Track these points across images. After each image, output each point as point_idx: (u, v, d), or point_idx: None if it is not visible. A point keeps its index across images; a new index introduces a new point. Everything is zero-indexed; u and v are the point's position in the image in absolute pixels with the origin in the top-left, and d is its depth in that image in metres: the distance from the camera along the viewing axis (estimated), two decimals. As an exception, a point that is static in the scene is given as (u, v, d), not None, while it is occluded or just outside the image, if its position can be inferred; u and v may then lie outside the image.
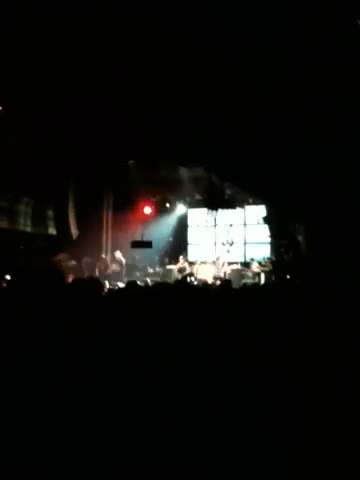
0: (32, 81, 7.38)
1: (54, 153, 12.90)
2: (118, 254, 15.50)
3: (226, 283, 7.07)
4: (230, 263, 15.25)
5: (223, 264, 14.88)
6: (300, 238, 13.10)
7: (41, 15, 5.08)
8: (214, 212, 15.07)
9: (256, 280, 14.46)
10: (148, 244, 15.21)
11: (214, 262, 15.07)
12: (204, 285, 9.08)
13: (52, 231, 15.21)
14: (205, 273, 14.47)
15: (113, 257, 15.78)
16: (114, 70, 6.50)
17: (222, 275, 14.26)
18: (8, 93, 8.72)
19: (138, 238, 15.69)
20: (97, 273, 14.83)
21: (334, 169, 8.40)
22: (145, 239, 15.28)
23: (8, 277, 12.28)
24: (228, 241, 16.18)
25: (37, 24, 5.19)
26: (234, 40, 5.68)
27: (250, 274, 14.87)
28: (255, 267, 14.73)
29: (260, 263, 14.79)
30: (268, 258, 14.63)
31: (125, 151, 12.92)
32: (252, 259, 15.32)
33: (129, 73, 6.24)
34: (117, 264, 15.41)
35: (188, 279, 12.42)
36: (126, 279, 14.13)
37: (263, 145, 8.25)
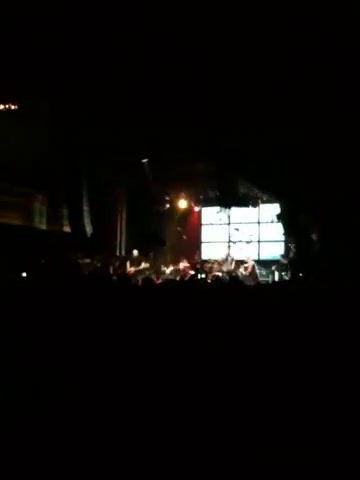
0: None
1: (68, 150, 13.02)
2: (135, 252, 15.44)
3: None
4: (244, 261, 15.19)
5: (232, 261, 14.83)
6: (314, 236, 13.04)
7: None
8: (227, 210, 15.07)
9: (269, 278, 14.44)
10: (162, 242, 15.23)
11: (224, 260, 15.01)
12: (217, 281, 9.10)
13: (66, 229, 15.32)
14: (217, 271, 14.45)
15: (131, 256, 15.68)
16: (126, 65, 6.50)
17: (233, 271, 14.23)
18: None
19: (153, 236, 15.68)
20: (111, 271, 14.87)
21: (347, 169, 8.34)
22: (159, 237, 15.29)
23: (24, 274, 12.42)
24: (243, 240, 16.15)
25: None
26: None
27: (264, 272, 14.84)
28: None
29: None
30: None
31: (139, 148, 12.95)
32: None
33: (142, 66, 6.25)
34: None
35: (199, 276, 12.42)
36: (140, 277, 14.16)
37: (278, 143, 8.21)
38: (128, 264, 15.08)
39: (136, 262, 15.00)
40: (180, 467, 1.96)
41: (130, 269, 14.86)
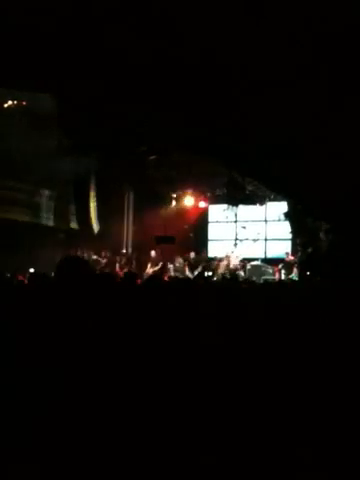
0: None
1: (75, 147, 13.05)
2: (153, 253, 15.41)
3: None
4: (250, 259, 15.17)
5: (237, 259, 14.83)
6: (321, 235, 12.99)
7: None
8: (234, 208, 15.06)
9: (276, 276, 14.41)
10: (171, 240, 15.20)
11: (229, 257, 15.00)
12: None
13: (74, 225, 15.40)
14: (224, 268, 14.45)
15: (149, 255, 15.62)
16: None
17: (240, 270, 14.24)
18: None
19: (160, 234, 15.70)
20: (117, 268, 14.93)
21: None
22: (168, 235, 15.29)
23: (32, 270, 12.51)
24: (249, 238, 16.13)
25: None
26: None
27: (270, 270, 14.80)
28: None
29: None
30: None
31: (146, 145, 12.95)
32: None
33: (150, 62, 6.21)
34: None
35: (205, 274, 12.43)
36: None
37: (285, 141, 8.15)
38: (149, 265, 15.05)
39: (155, 263, 15.02)
40: (179, 466, 1.96)
41: (149, 270, 14.88)
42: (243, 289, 5.63)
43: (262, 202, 15.82)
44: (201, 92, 6.26)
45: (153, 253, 15.19)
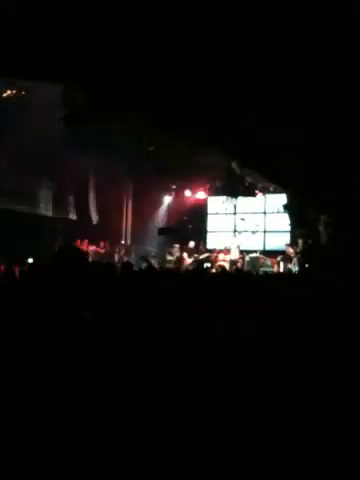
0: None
1: (75, 138, 12.99)
2: (192, 244, 15.41)
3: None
4: (249, 251, 15.17)
5: (238, 250, 14.83)
6: (320, 227, 12.98)
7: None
8: (233, 200, 15.04)
9: (275, 269, 14.42)
10: (174, 231, 15.22)
11: (228, 249, 14.99)
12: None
13: (72, 216, 15.38)
14: (223, 260, 14.45)
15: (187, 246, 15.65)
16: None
17: (239, 263, 14.24)
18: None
19: (159, 225, 15.72)
20: (116, 258, 14.95)
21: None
22: (170, 226, 15.31)
23: (30, 260, 12.51)
24: (248, 230, 16.12)
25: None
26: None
27: (269, 262, 14.81)
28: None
29: None
30: None
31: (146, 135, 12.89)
32: None
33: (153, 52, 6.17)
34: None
35: (204, 266, 12.46)
36: (144, 265, 14.19)
37: (285, 141, 8.12)
38: (186, 255, 15.05)
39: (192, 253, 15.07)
40: (179, 464, 1.98)
41: (185, 257, 14.92)
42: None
43: (263, 192, 15.83)
44: (201, 92, 6.23)
45: (192, 244, 15.22)
